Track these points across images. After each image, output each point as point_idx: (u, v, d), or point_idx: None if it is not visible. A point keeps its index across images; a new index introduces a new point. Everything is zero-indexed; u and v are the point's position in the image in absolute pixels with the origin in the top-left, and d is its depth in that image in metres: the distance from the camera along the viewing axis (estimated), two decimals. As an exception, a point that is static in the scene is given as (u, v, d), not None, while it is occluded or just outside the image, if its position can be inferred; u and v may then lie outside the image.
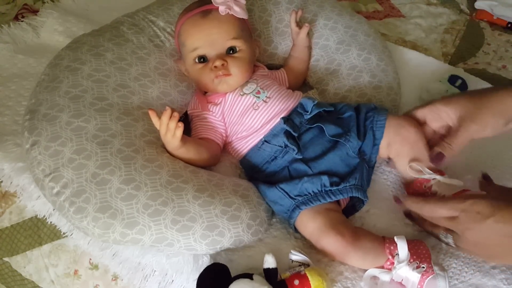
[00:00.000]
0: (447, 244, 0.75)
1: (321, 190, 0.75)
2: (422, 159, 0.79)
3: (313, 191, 0.75)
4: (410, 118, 0.83)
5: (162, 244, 0.70)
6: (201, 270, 0.68)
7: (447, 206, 0.67)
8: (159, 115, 0.72)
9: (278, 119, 0.82)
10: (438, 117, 0.80)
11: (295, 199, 0.75)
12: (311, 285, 0.66)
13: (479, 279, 0.72)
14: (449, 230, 0.70)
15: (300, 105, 0.84)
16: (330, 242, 0.70)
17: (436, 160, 0.80)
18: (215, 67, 0.84)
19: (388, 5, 1.33)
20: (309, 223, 0.73)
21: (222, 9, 0.85)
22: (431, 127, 0.82)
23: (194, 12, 0.87)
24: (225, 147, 0.88)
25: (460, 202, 0.66)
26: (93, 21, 1.08)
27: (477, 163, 0.88)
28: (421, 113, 0.82)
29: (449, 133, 0.79)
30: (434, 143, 0.81)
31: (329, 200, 0.74)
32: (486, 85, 1.02)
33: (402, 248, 0.70)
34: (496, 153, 0.90)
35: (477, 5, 1.32)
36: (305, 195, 0.75)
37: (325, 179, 0.75)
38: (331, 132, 0.79)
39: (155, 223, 0.69)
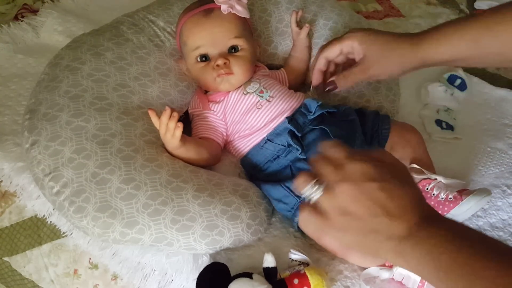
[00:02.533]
0: (309, 196, 0.55)
1: None
2: (423, 162, 0.80)
3: None
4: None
5: (161, 244, 0.70)
6: (201, 269, 0.68)
7: (342, 150, 0.55)
8: (159, 115, 0.72)
9: (281, 118, 0.82)
10: (351, 50, 0.82)
11: (300, 197, 0.75)
12: (311, 284, 0.66)
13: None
14: (320, 181, 0.54)
15: (304, 105, 0.85)
16: (333, 239, 0.70)
17: (327, 86, 0.83)
18: (217, 65, 0.84)
19: (388, 5, 1.33)
20: (312, 219, 0.73)
21: (224, 8, 0.85)
22: (340, 57, 0.85)
23: (196, 11, 0.87)
24: (226, 146, 0.88)
25: (358, 153, 0.55)
26: (93, 21, 1.08)
27: (477, 163, 0.88)
28: (339, 45, 0.83)
29: (350, 66, 0.82)
30: (334, 73, 0.85)
31: None
32: (485, 85, 1.02)
33: None
34: (496, 152, 0.90)
35: (477, 5, 1.32)
36: None
37: None
38: (335, 134, 0.79)
39: (154, 223, 0.69)
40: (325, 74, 0.87)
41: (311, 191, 0.54)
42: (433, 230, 0.50)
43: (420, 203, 0.53)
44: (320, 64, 0.85)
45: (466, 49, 0.74)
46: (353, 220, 0.52)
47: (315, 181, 0.54)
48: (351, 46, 0.81)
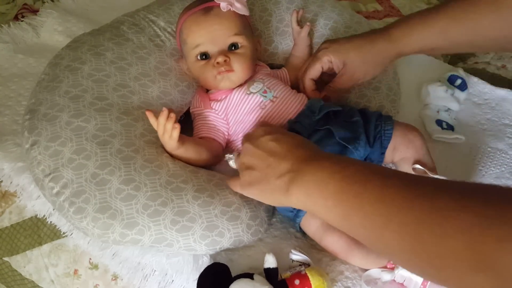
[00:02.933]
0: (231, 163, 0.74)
1: None
2: (426, 163, 0.80)
3: None
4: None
5: (161, 245, 0.70)
6: (201, 270, 0.68)
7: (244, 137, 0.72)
8: (157, 116, 0.72)
9: (285, 119, 0.82)
10: (330, 65, 0.87)
11: None
12: (312, 284, 0.66)
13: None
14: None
15: (308, 106, 0.84)
16: (334, 239, 0.70)
17: (325, 101, 0.87)
18: (218, 63, 0.84)
19: (388, 5, 1.33)
20: (314, 220, 0.73)
21: (223, 5, 0.85)
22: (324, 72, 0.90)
23: (195, 9, 0.87)
24: (228, 145, 0.88)
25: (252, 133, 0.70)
26: (93, 21, 1.08)
27: (478, 163, 0.88)
28: (319, 63, 0.88)
29: (334, 77, 0.88)
30: (321, 87, 0.90)
31: None
32: (486, 85, 1.02)
33: None
34: (497, 152, 0.90)
35: (477, 4, 1.32)
36: None
37: None
38: (340, 135, 0.79)
39: (154, 224, 0.69)
40: (316, 84, 0.92)
41: (229, 157, 0.73)
42: (317, 163, 0.57)
43: (305, 145, 0.63)
44: (310, 85, 0.90)
45: (436, 39, 0.77)
46: (253, 171, 0.64)
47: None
48: (329, 61, 0.86)
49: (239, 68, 0.85)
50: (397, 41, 0.80)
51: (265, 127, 0.69)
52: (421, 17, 0.79)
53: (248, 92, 0.85)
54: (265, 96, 0.85)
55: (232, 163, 0.73)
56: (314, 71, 0.88)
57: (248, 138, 0.68)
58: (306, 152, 0.60)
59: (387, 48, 0.82)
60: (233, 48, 0.86)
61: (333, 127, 0.79)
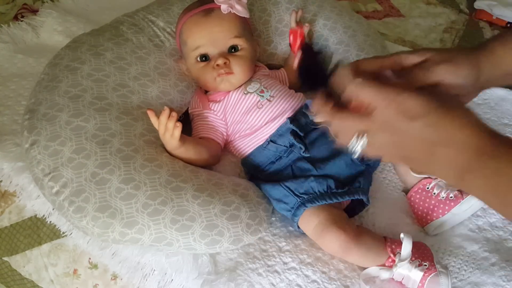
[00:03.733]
0: (353, 153, 0.55)
1: (327, 191, 0.75)
2: None
3: (318, 191, 0.75)
4: None
5: (161, 244, 0.70)
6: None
7: (375, 89, 0.52)
8: (158, 115, 0.72)
9: (283, 118, 0.83)
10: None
11: (300, 197, 0.75)
12: None
13: (478, 276, 0.72)
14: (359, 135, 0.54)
15: (305, 105, 0.85)
16: (333, 237, 0.71)
17: None
18: (217, 65, 0.84)
19: (388, 5, 1.33)
20: (312, 219, 0.73)
21: (224, 7, 0.85)
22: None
23: (196, 11, 0.87)
24: (226, 146, 0.88)
25: (391, 91, 0.52)
26: (92, 21, 1.08)
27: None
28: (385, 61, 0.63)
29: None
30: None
31: (335, 200, 0.75)
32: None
33: (407, 245, 0.70)
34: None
35: (477, 5, 1.32)
36: (311, 193, 0.75)
37: (331, 182, 0.76)
38: None
39: (154, 223, 0.69)
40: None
41: (355, 144, 0.54)
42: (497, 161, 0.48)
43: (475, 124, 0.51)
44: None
45: None
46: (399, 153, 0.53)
47: (356, 135, 0.54)
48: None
49: (238, 71, 0.85)
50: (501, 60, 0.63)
51: (406, 101, 0.51)
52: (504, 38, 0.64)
53: (245, 92, 0.86)
54: (262, 96, 0.85)
55: (359, 148, 0.54)
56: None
57: (385, 120, 0.51)
58: (471, 143, 0.49)
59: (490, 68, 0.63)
60: (233, 50, 0.86)
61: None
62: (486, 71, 0.63)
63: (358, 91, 0.54)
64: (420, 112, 0.51)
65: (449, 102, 0.53)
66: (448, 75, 0.60)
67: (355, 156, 0.54)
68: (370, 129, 0.53)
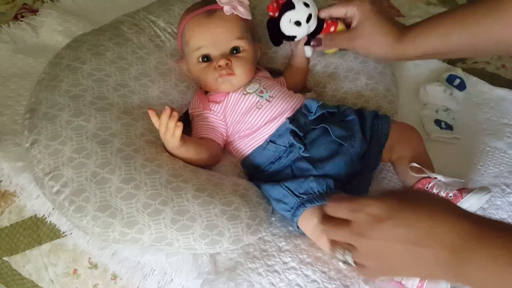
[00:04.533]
0: (344, 263, 0.60)
1: (327, 191, 0.75)
2: (423, 161, 0.80)
3: (318, 191, 0.75)
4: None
5: (161, 244, 0.70)
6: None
7: (340, 207, 0.57)
8: (159, 115, 0.72)
9: (282, 118, 0.83)
10: (353, 15, 0.85)
11: (300, 197, 0.75)
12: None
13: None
14: (347, 245, 0.58)
15: (305, 106, 0.85)
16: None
17: (313, 42, 0.90)
18: (219, 66, 0.84)
19: (388, 5, 1.33)
20: (312, 219, 0.73)
21: (227, 9, 0.85)
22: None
23: (198, 11, 0.87)
24: (226, 147, 0.88)
25: (354, 203, 0.55)
26: (92, 21, 1.08)
27: (476, 162, 0.89)
28: (346, 8, 0.86)
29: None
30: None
31: None
32: (484, 84, 1.02)
33: None
34: (496, 152, 0.90)
35: (476, 5, 1.32)
36: (310, 194, 0.75)
37: (331, 182, 0.76)
38: (336, 133, 0.80)
39: (154, 222, 0.69)
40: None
41: (342, 256, 0.58)
42: (482, 252, 0.47)
43: (445, 220, 0.50)
44: (324, 15, 0.88)
45: (439, 43, 0.77)
46: (384, 265, 0.53)
47: (339, 249, 0.58)
48: (354, 12, 0.84)
49: (240, 72, 0.85)
50: (404, 42, 0.80)
51: (368, 207, 0.53)
52: (429, 20, 0.79)
53: (244, 93, 0.86)
54: (261, 96, 0.85)
55: (348, 260, 0.58)
56: (336, 11, 0.87)
57: (357, 231, 0.54)
58: (453, 235, 0.48)
59: (393, 44, 0.80)
60: (234, 51, 0.86)
61: (329, 126, 0.80)
62: (394, 55, 0.81)
63: (333, 212, 0.58)
64: (385, 214, 0.51)
65: (419, 199, 0.53)
66: (361, 47, 0.85)
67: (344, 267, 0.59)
68: (352, 241, 0.55)
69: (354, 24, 0.85)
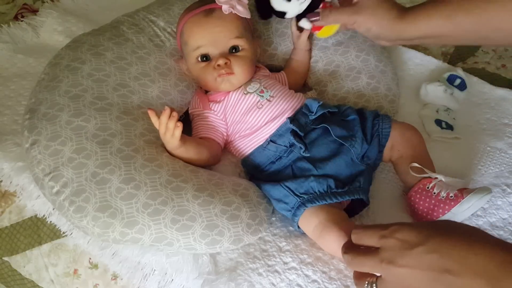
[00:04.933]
0: None
1: (327, 191, 0.75)
2: (424, 161, 0.80)
3: (319, 191, 0.75)
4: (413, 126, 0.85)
5: (161, 244, 0.70)
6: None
7: (367, 233, 0.55)
8: (158, 115, 0.72)
9: (283, 118, 0.83)
10: None
11: (300, 196, 0.75)
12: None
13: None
14: (372, 276, 0.55)
15: (305, 105, 0.85)
16: (333, 237, 0.71)
17: (312, 16, 0.85)
18: (218, 65, 0.84)
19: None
20: (312, 218, 0.73)
21: (225, 8, 0.85)
22: None
23: (197, 11, 0.87)
24: (227, 146, 0.88)
25: (382, 229, 0.53)
26: (93, 21, 1.08)
27: (477, 162, 0.88)
28: None
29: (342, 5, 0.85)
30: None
31: (335, 200, 0.75)
32: (485, 84, 1.02)
33: None
34: (496, 152, 0.90)
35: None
36: (311, 193, 0.75)
37: (331, 182, 0.76)
38: (337, 133, 0.80)
39: (154, 223, 0.69)
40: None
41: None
42: None
43: (474, 245, 0.47)
44: None
45: (441, 24, 0.74)
46: None
47: (368, 282, 0.54)
48: None
49: (239, 71, 0.85)
50: (405, 23, 0.77)
51: (398, 232, 0.51)
52: (430, 2, 0.77)
53: (245, 92, 0.86)
54: (262, 96, 0.85)
55: None
56: None
57: (385, 258, 0.50)
58: (488, 263, 0.46)
59: (393, 24, 0.78)
60: (233, 50, 0.86)
61: (330, 125, 0.80)
62: (394, 35, 0.79)
63: (359, 239, 0.55)
64: (417, 240, 0.49)
65: (451, 227, 0.51)
66: (361, 24, 0.81)
67: None
68: (379, 270, 0.52)
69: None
